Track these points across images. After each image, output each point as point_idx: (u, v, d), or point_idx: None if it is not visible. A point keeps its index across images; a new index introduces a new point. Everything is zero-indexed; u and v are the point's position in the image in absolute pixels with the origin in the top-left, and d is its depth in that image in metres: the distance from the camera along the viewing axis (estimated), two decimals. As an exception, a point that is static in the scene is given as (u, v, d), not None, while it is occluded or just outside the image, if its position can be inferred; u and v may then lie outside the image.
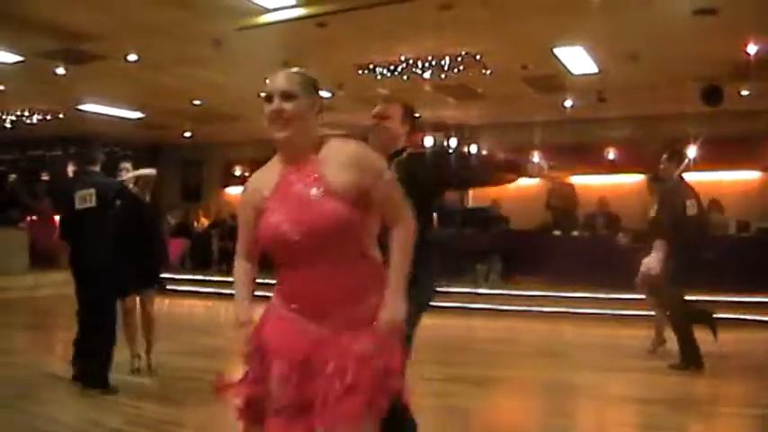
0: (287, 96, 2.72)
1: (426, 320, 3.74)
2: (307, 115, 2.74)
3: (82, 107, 15.44)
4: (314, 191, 2.60)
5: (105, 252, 6.43)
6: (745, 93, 13.16)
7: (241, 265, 3.05)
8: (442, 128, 16.96)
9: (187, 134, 19.12)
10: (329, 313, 2.62)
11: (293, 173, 2.69)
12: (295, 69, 2.88)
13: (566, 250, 13.44)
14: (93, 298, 6.39)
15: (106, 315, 6.45)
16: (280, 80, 2.77)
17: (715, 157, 14.20)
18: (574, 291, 12.19)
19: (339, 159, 2.66)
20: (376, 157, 2.78)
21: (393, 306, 2.61)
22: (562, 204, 15.35)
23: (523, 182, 17.31)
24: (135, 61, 11.44)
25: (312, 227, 2.56)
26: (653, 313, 8.60)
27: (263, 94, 2.81)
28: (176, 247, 18.04)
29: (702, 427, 5.66)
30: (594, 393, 6.73)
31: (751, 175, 15.31)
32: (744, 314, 10.73)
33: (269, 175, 2.80)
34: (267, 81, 2.80)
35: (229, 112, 16.21)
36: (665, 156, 7.99)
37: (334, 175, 2.62)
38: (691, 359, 7.34)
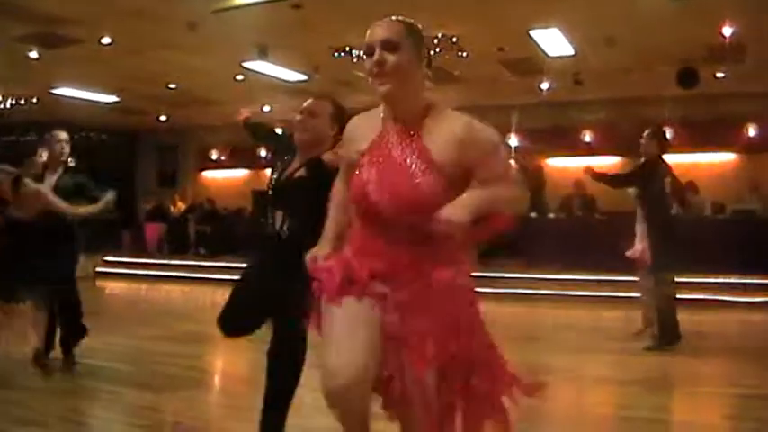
0: (389, 46, 2.46)
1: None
2: (411, 68, 2.51)
3: (56, 92, 15.28)
4: (414, 162, 2.41)
5: None
6: (720, 75, 13.24)
7: (338, 188, 2.80)
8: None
9: (163, 118, 18.99)
10: (398, 279, 2.46)
11: (395, 134, 2.49)
12: (398, 17, 2.58)
13: (542, 232, 13.48)
14: None
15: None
16: (381, 29, 2.50)
17: (691, 140, 14.30)
18: (551, 273, 12.24)
19: (448, 133, 2.45)
20: (491, 133, 2.57)
21: (457, 205, 2.33)
22: (530, 186, 15.29)
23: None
24: (109, 45, 11.34)
25: (402, 198, 2.40)
26: (638, 295, 8.57)
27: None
28: (152, 231, 17.98)
29: (679, 407, 5.71)
30: (572, 375, 6.76)
31: (726, 158, 15.41)
32: (719, 295, 10.84)
33: (368, 128, 2.59)
34: (367, 33, 2.53)
35: (205, 96, 16.11)
36: (646, 133, 7.97)
37: (440, 149, 2.42)
38: (670, 336, 7.45)
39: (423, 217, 2.35)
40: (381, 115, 2.58)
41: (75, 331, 6.42)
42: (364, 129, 2.61)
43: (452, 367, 2.45)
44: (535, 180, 15.22)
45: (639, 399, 5.61)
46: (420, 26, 2.63)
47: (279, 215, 3.83)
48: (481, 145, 2.45)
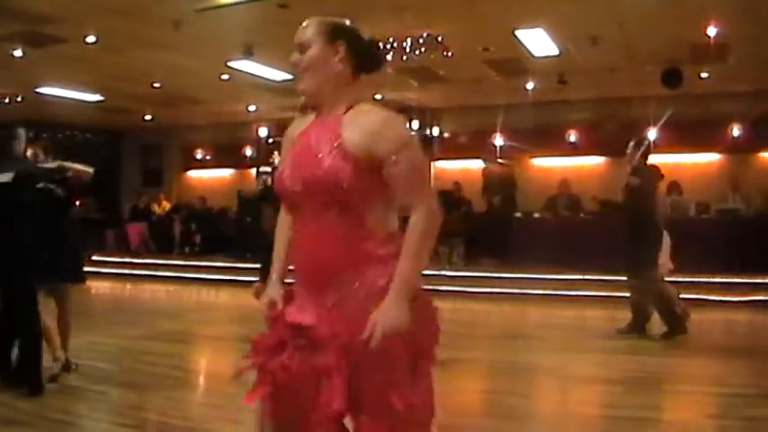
0: (302, 48, 2.63)
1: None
2: (321, 64, 2.58)
3: (41, 90, 15.18)
4: (326, 147, 2.43)
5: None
6: (704, 75, 13.31)
7: (281, 217, 2.78)
8: (404, 110, 16.96)
9: (148, 117, 18.93)
10: (327, 281, 2.45)
11: (316, 126, 2.56)
12: (315, 18, 2.74)
13: (528, 232, 13.53)
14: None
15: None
16: (298, 32, 2.69)
17: (675, 140, 14.35)
18: (537, 272, 12.27)
19: (365, 123, 2.45)
20: (405, 131, 2.52)
21: (385, 310, 2.33)
22: (500, 188, 15.22)
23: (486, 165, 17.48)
24: (94, 43, 11.28)
25: (307, 179, 2.43)
26: (627, 295, 8.68)
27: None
28: (134, 231, 17.92)
29: (664, 406, 5.73)
30: (557, 374, 6.78)
31: (710, 158, 15.48)
32: (705, 294, 10.88)
33: (298, 128, 2.67)
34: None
35: (190, 96, 16.07)
36: (631, 144, 8.27)
37: (354, 139, 2.42)
38: (676, 328, 8.01)
39: (338, 199, 2.39)
40: (312, 115, 2.65)
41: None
42: (297, 126, 2.69)
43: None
44: (504, 182, 15.20)
45: (624, 398, 5.63)
46: (345, 23, 2.75)
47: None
48: (392, 139, 2.40)
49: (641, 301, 8.28)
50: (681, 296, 8.54)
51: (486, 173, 15.73)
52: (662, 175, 8.54)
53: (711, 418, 5.38)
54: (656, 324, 8.27)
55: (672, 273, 8.47)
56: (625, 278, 8.49)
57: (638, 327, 8.30)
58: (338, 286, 2.43)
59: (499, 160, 13.64)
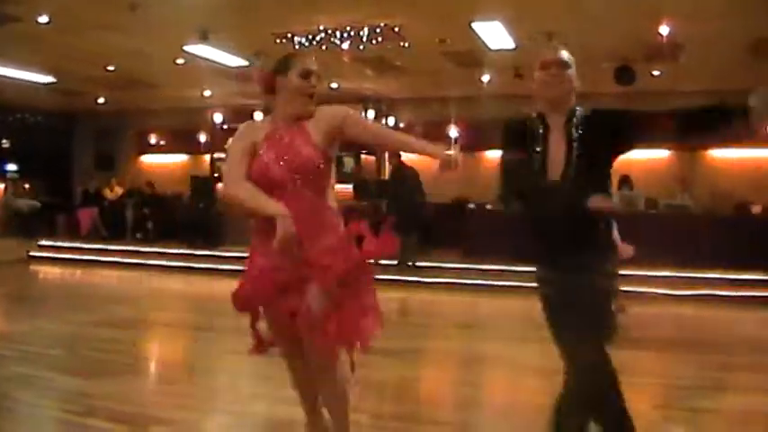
0: (319, 78, 3.48)
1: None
2: (279, 86, 3.54)
3: (-10, 71, 14.93)
4: (299, 141, 3.38)
5: None
6: (656, 73, 13.50)
7: (244, 184, 3.40)
8: (359, 100, 16.97)
9: (101, 101, 18.67)
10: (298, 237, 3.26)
11: (285, 128, 3.44)
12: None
13: (481, 223, 13.62)
14: None
15: None
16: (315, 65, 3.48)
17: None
18: (490, 263, 12.36)
19: (319, 119, 3.44)
20: (337, 107, 3.51)
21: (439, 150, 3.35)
22: (400, 188, 13.71)
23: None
24: (47, 24, 11.09)
25: (292, 164, 3.33)
26: None
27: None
28: (85, 216, 17.71)
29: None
30: (509, 364, 6.86)
31: (659, 154, 15.72)
32: (652, 288, 11.06)
33: (258, 129, 3.51)
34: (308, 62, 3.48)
35: (145, 79, 15.89)
36: None
37: (316, 132, 3.40)
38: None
39: (311, 178, 3.36)
40: (268, 120, 3.56)
41: None
42: (254, 129, 3.53)
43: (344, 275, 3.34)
44: (407, 182, 14.92)
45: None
46: (287, 53, 3.60)
47: None
48: (336, 113, 3.45)
49: None
50: (629, 289, 8.64)
51: (392, 170, 15.50)
52: None
53: (657, 409, 5.49)
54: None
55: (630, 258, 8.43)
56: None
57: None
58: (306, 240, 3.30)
59: (403, 159, 13.53)
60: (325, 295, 3.31)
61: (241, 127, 3.56)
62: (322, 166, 3.38)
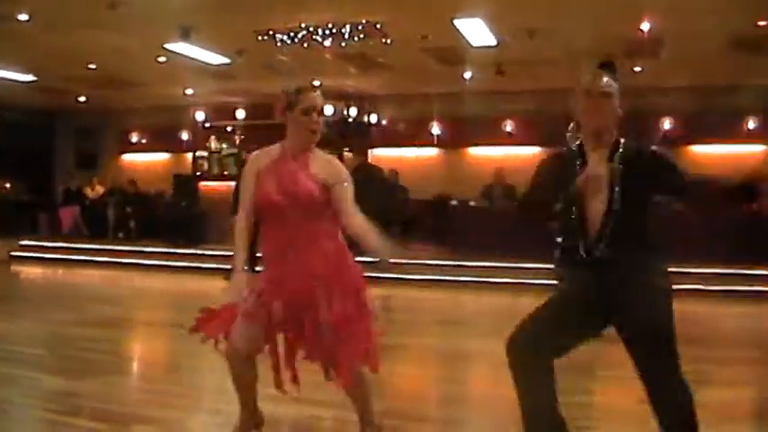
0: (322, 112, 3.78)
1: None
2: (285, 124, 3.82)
3: (-31, 69, 14.82)
4: (301, 174, 3.68)
5: None
6: (637, 69, 13.56)
7: (242, 220, 3.85)
8: (342, 97, 16.96)
9: (82, 99, 18.58)
10: (293, 255, 3.67)
11: (291, 159, 3.74)
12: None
13: (463, 220, 13.65)
14: None
15: None
16: (318, 100, 3.76)
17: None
18: (471, 259, 12.39)
19: (321, 161, 3.75)
20: (343, 168, 3.79)
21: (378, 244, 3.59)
22: (367, 187, 14.56)
23: (422, 152, 17.65)
24: (27, 21, 11.03)
25: (293, 194, 3.64)
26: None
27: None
28: (66, 215, 17.62)
29: (594, 391, 5.87)
30: (490, 359, 6.86)
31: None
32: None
33: (265, 157, 3.82)
34: (311, 98, 3.74)
35: (126, 78, 15.82)
36: (572, 125, 8.23)
37: (317, 169, 3.71)
38: None
39: (311, 209, 3.66)
40: (279, 149, 3.82)
41: None
42: (260, 158, 3.85)
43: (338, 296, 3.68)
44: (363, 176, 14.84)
45: (570, 384, 5.73)
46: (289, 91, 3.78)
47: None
48: (335, 172, 3.73)
49: None
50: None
51: (354, 170, 15.50)
52: None
53: (640, 403, 5.49)
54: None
55: None
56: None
57: None
58: (300, 263, 3.68)
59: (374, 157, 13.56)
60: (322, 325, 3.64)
61: (252, 156, 3.93)
62: (319, 197, 3.66)
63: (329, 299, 3.65)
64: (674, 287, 3.52)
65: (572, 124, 8.16)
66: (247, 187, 3.82)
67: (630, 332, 3.55)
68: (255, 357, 3.83)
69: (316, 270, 3.66)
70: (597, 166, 3.34)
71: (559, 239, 3.50)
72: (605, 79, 3.53)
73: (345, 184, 3.72)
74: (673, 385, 3.50)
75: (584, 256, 3.36)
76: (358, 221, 3.62)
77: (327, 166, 3.76)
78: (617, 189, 3.31)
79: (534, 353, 3.65)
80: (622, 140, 3.51)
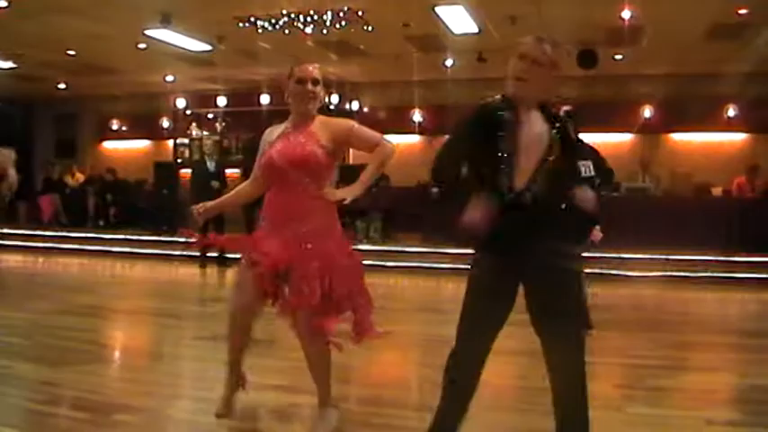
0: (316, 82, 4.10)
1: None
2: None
3: (-54, 56, 14.68)
4: (305, 138, 3.96)
5: None
6: (618, 57, 13.61)
7: (246, 183, 4.35)
8: (323, 84, 16.91)
9: (62, 86, 18.44)
10: (290, 224, 3.91)
11: (293, 128, 4.05)
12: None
13: (444, 208, 13.66)
14: None
15: None
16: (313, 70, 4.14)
17: (588, 119, 14.59)
18: (451, 247, 12.41)
19: (326, 125, 4.05)
20: (343, 120, 4.17)
21: (351, 188, 3.97)
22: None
23: (403, 139, 17.66)
24: (5, 8, 10.93)
25: (294, 157, 3.90)
26: None
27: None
28: (46, 203, 17.50)
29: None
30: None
31: (622, 138, 15.86)
32: (613, 269, 11.19)
33: (276, 130, 4.14)
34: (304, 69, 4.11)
35: (106, 64, 15.71)
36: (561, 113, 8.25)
37: (322, 134, 3.99)
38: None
39: (310, 171, 3.91)
40: (286, 124, 4.13)
41: None
42: (275, 130, 4.15)
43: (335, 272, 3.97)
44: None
45: (533, 369, 5.74)
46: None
47: None
48: (343, 127, 4.08)
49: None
50: (590, 271, 8.72)
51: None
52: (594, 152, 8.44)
53: (618, 388, 5.57)
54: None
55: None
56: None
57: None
58: (298, 226, 3.92)
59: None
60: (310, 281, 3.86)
61: (267, 130, 4.22)
62: (322, 161, 3.93)
63: (325, 271, 3.90)
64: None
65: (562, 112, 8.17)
66: (260, 155, 4.13)
67: (537, 303, 3.55)
68: (252, 320, 4.13)
69: (310, 244, 3.90)
70: (535, 125, 3.46)
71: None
72: (545, 47, 3.66)
73: (354, 126, 4.10)
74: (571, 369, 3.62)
75: (511, 197, 3.31)
76: (375, 155, 4.03)
77: (329, 126, 4.05)
78: (554, 147, 3.42)
79: (476, 375, 3.77)
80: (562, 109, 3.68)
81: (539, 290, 3.48)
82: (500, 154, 3.35)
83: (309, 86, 4.05)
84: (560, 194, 3.37)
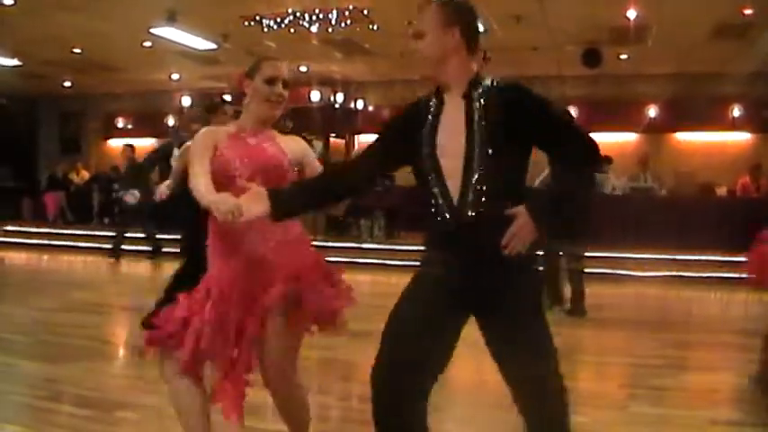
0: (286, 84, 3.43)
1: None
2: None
3: (-47, 53, 14.71)
4: (267, 144, 3.39)
5: None
6: (623, 57, 13.59)
7: (203, 180, 3.24)
8: (328, 83, 16.93)
9: (67, 84, 18.47)
10: (258, 242, 3.30)
11: (251, 132, 3.41)
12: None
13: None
14: None
15: None
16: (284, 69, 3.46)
17: (593, 119, 14.62)
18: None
19: (284, 139, 3.51)
20: (298, 138, 3.62)
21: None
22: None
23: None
24: (11, 6, 10.95)
25: (256, 162, 3.30)
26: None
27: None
28: (51, 200, 17.53)
29: (576, 376, 5.87)
30: (470, 344, 6.87)
31: (627, 137, 15.83)
32: (616, 269, 11.18)
33: (220, 133, 3.40)
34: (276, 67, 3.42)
35: (111, 62, 15.73)
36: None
37: (283, 144, 3.45)
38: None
39: (269, 175, 3.27)
40: (232, 126, 3.50)
41: None
42: (215, 133, 3.42)
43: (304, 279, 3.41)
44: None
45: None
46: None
47: None
48: (302, 146, 3.58)
49: (554, 275, 8.35)
50: (594, 271, 8.73)
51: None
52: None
53: (622, 387, 5.57)
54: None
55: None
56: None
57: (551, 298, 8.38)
58: (267, 237, 3.31)
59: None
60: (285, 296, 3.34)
61: (201, 131, 3.44)
62: (287, 169, 3.39)
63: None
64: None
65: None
66: (201, 162, 3.25)
67: (495, 333, 2.98)
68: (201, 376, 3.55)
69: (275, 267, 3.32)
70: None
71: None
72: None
73: (308, 148, 3.63)
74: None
75: (450, 219, 2.81)
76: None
77: (292, 143, 3.53)
78: (476, 134, 2.76)
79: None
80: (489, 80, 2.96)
81: (493, 324, 2.95)
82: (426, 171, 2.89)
83: (279, 88, 3.40)
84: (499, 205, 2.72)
